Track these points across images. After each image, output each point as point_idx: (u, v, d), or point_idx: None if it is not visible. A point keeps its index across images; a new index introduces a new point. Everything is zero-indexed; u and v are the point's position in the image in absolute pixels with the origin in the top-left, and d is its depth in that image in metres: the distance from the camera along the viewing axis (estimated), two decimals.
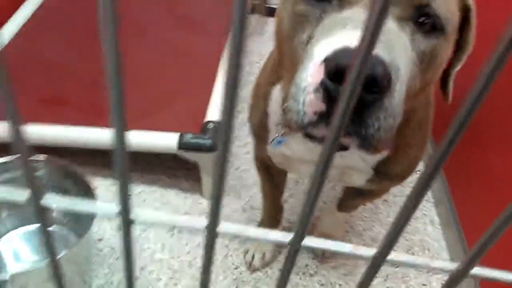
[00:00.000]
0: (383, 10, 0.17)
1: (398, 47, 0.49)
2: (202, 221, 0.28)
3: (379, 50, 0.45)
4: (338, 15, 0.51)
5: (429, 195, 1.39)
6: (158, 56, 1.44)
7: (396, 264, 0.29)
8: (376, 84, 0.43)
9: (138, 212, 0.29)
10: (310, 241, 0.29)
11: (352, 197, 1.03)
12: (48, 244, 0.31)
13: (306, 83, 0.47)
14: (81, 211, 0.29)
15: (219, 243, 1.18)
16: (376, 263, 0.29)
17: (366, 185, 0.83)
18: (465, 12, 0.59)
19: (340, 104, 0.21)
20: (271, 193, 1.05)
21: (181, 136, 1.15)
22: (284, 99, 0.51)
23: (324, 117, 0.47)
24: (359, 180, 0.82)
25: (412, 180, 1.42)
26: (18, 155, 0.26)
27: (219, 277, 1.11)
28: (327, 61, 0.44)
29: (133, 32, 1.49)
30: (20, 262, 1.02)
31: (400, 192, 1.38)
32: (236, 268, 1.14)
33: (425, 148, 0.80)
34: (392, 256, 0.30)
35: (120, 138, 0.24)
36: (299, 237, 0.28)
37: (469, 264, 0.29)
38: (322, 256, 1.18)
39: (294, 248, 0.29)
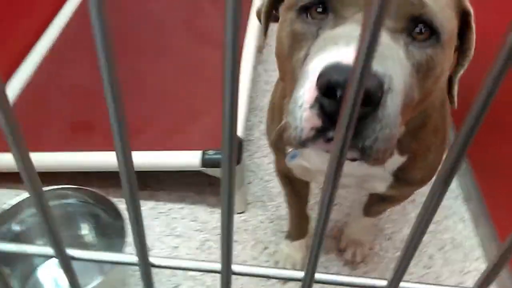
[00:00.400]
0: (377, 25, 0.18)
1: (391, 59, 0.49)
2: (216, 265, 0.30)
3: (372, 63, 0.45)
4: (331, 32, 0.51)
5: (458, 192, 1.37)
6: (178, 75, 1.46)
7: None
8: (369, 97, 0.44)
9: (155, 259, 0.30)
10: (321, 276, 0.30)
11: (377, 203, 1.03)
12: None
13: (302, 100, 0.48)
14: (104, 261, 0.31)
15: (248, 255, 1.20)
16: None
17: (388, 191, 0.83)
18: (464, 17, 0.58)
19: (340, 120, 0.21)
20: (296, 204, 1.06)
21: (203, 153, 1.18)
22: (285, 116, 0.53)
23: (321, 132, 0.48)
24: (380, 187, 0.82)
25: None
26: (29, 189, 0.28)
27: None
28: (319, 77, 0.45)
29: (153, 53, 1.53)
30: None
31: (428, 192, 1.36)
32: (267, 280, 1.15)
33: (444, 152, 0.79)
34: (404, 285, 0.30)
35: (132, 204, 0.26)
36: (311, 272, 0.29)
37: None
38: (353, 262, 1.18)
39: (306, 284, 0.30)
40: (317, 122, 0.47)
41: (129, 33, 1.60)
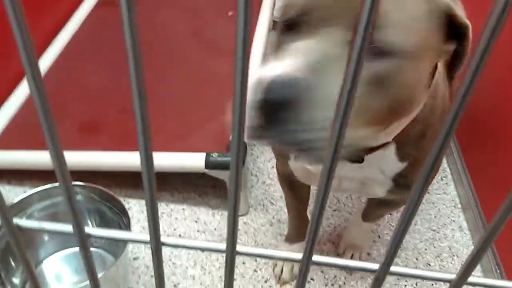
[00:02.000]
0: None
1: (328, 68, 0.51)
2: (222, 245, 0.32)
3: (295, 71, 0.49)
4: (287, 45, 0.56)
5: (456, 200, 1.39)
6: (185, 82, 1.50)
7: (399, 275, 0.33)
8: (285, 102, 0.49)
9: (167, 238, 0.33)
10: (319, 259, 0.32)
11: (376, 207, 1.05)
12: (89, 267, 0.36)
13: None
14: (118, 239, 0.33)
15: (247, 257, 1.22)
16: (379, 276, 0.32)
17: (387, 195, 0.85)
18: (458, 29, 0.59)
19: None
20: (296, 207, 1.09)
21: (207, 155, 1.20)
22: None
23: (261, 129, 0.52)
24: (379, 191, 0.84)
25: (438, 187, 1.43)
26: (61, 186, 0.31)
27: None
28: (255, 86, 0.51)
29: (162, 61, 1.56)
30: (62, 284, 1.09)
31: (426, 200, 1.38)
32: (266, 282, 1.17)
33: (443, 157, 0.82)
34: (395, 269, 0.33)
35: (147, 165, 0.28)
36: (307, 255, 0.32)
37: (464, 274, 0.31)
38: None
39: (305, 265, 0.32)
40: (255, 122, 0.52)
41: (142, 42, 1.63)
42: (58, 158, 0.28)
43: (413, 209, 0.28)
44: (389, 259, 0.32)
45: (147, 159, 0.28)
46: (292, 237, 1.16)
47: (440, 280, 0.33)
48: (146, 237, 0.33)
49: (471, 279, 0.32)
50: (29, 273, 0.36)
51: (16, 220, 0.33)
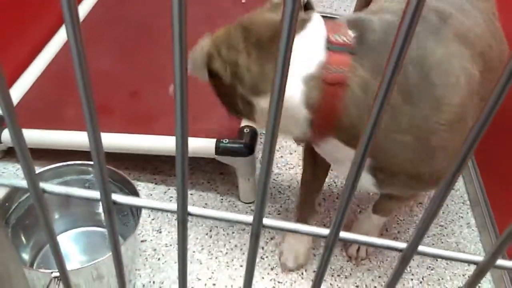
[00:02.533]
0: None
1: None
2: (248, 218, 0.32)
3: None
4: None
5: (465, 197, 1.39)
6: None
7: (425, 255, 0.32)
8: None
9: (193, 208, 0.33)
10: (345, 235, 0.32)
11: (387, 200, 1.05)
12: (113, 234, 0.36)
13: None
14: (145, 207, 0.33)
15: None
16: (406, 256, 0.32)
17: (378, 189, 0.87)
18: None
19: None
20: (309, 184, 1.10)
21: (218, 141, 1.20)
22: None
23: None
24: (366, 184, 0.86)
25: None
26: (94, 161, 0.31)
27: (256, 278, 1.15)
28: None
29: (171, 44, 1.55)
30: (70, 262, 1.09)
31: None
32: (272, 269, 1.17)
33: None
34: (422, 248, 0.32)
35: (182, 140, 0.28)
36: (335, 230, 0.32)
37: (494, 256, 0.31)
38: (356, 258, 1.20)
39: (331, 241, 0.32)
40: None
41: (153, 26, 1.63)
42: (94, 132, 0.28)
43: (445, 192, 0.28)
44: (418, 239, 0.31)
45: (183, 132, 0.27)
46: (299, 221, 1.16)
47: (468, 262, 0.32)
48: (173, 206, 0.33)
49: (499, 262, 0.32)
50: (51, 238, 0.36)
51: (43, 184, 0.33)
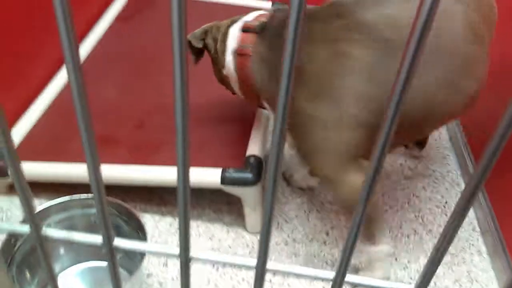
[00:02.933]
0: None
1: None
2: (252, 261, 0.32)
3: None
4: None
5: (475, 224, 1.37)
6: (199, 93, 1.51)
7: None
8: None
9: (195, 252, 0.32)
10: (351, 278, 0.31)
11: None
12: (116, 279, 0.36)
13: None
14: (147, 251, 0.33)
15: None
16: None
17: None
18: None
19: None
20: None
21: (223, 171, 1.20)
22: None
23: None
24: None
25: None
26: (96, 196, 0.31)
27: None
28: None
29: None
30: None
31: (446, 223, 1.36)
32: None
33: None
34: None
35: (183, 182, 0.28)
36: (341, 274, 0.31)
37: None
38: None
39: (337, 283, 0.31)
40: None
41: (156, 58, 1.65)
42: (95, 169, 0.28)
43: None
44: (427, 279, 0.31)
45: (184, 173, 0.27)
46: None
47: None
48: (176, 250, 0.32)
49: None
50: (52, 281, 0.35)
51: (46, 229, 0.33)
